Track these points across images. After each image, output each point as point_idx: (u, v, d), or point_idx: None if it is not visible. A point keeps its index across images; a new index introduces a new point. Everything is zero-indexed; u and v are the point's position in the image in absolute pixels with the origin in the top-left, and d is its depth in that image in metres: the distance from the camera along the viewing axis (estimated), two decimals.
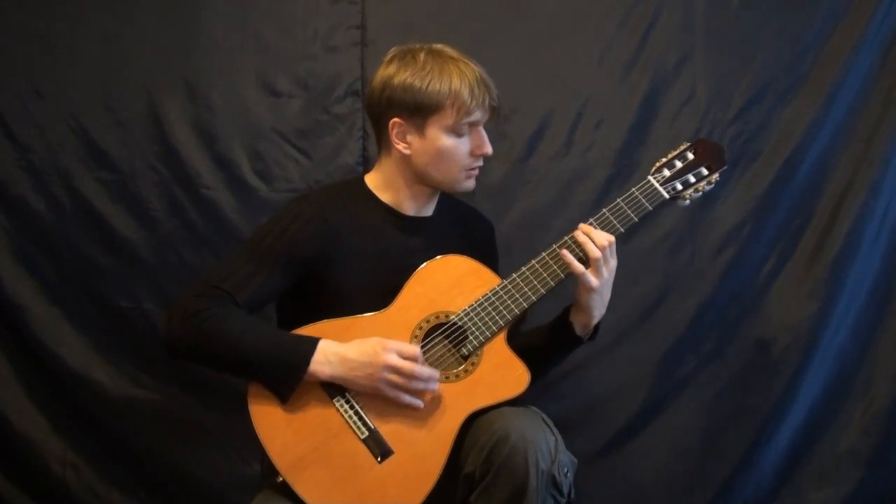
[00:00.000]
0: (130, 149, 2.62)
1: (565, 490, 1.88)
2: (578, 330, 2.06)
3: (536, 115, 2.64)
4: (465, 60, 2.03)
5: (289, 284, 2.00)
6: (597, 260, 1.94)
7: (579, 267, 1.95)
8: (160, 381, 2.65)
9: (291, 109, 2.64)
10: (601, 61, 2.64)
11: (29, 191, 2.61)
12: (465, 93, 1.98)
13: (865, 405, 2.65)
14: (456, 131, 2.01)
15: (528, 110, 2.65)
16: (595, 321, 2.05)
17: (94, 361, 2.64)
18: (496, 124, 2.09)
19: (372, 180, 2.12)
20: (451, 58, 2.02)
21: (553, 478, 1.84)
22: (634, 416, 2.67)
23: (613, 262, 1.99)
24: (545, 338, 2.10)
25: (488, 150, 2.05)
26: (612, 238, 1.97)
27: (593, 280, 1.96)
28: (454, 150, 2.02)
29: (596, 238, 1.95)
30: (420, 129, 2.01)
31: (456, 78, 1.99)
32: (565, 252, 1.96)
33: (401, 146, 2.03)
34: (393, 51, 2.07)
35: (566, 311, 2.08)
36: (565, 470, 1.88)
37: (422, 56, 2.02)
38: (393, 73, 2.01)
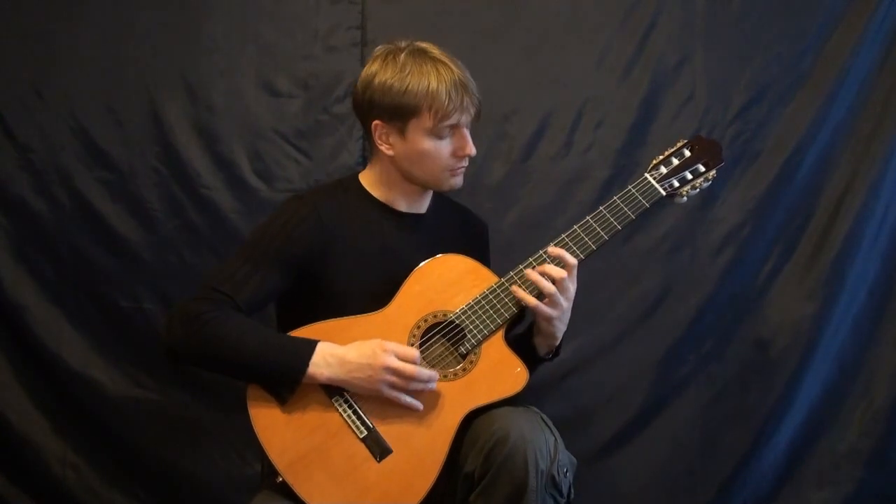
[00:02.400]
0: (130, 149, 2.62)
1: (565, 490, 1.88)
2: (541, 351, 2.06)
3: (536, 115, 2.64)
4: (446, 62, 1.99)
5: (287, 284, 2.00)
6: (553, 294, 1.94)
7: (532, 300, 1.94)
8: (160, 381, 2.65)
9: (291, 109, 2.64)
10: (601, 62, 2.65)
11: (29, 191, 2.61)
12: (443, 96, 1.95)
13: (865, 405, 2.65)
14: (436, 134, 1.99)
15: (528, 110, 2.65)
16: (557, 342, 2.06)
17: (94, 361, 2.64)
18: (478, 122, 2.06)
19: (366, 178, 2.12)
20: (432, 58, 1.99)
21: (552, 478, 1.84)
22: (634, 416, 2.67)
23: (573, 288, 1.97)
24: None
25: (471, 151, 2.03)
26: (564, 273, 1.94)
27: (549, 311, 1.96)
28: (435, 152, 2.01)
29: (551, 272, 1.94)
30: (400, 132, 2.00)
31: (434, 81, 1.95)
32: (515, 288, 1.95)
33: (384, 147, 2.03)
34: (378, 49, 2.04)
35: (528, 332, 2.08)
36: (565, 470, 1.87)
37: (402, 57, 1.98)
38: (374, 73, 2.00)
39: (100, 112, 2.61)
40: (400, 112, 1.97)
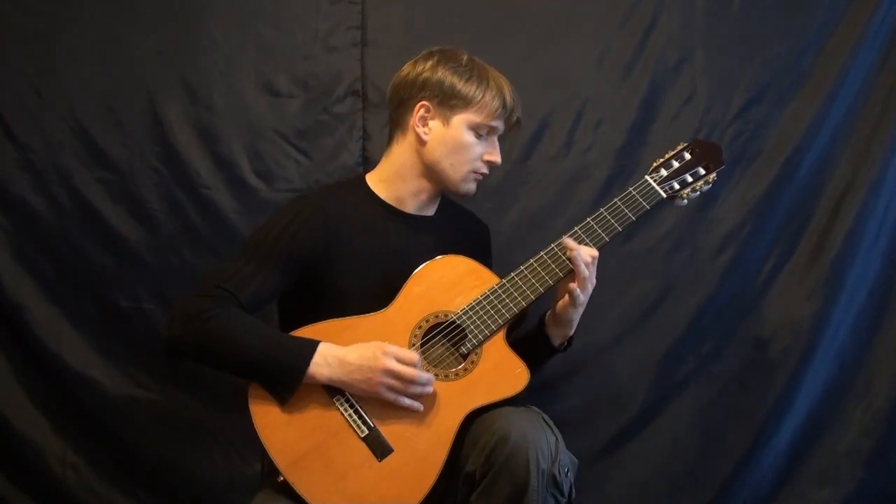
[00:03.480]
0: (130, 149, 2.62)
1: (566, 490, 1.88)
2: (557, 341, 2.08)
3: (536, 115, 2.64)
4: (501, 75, 2.11)
5: (289, 283, 2.00)
6: (585, 279, 1.97)
7: (582, 268, 1.97)
8: (160, 381, 2.65)
9: (291, 109, 2.64)
10: (601, 61, 2.65)
11: (29, 191, 2.61)
12: (499, 99, 2.06)
13: (865, 405, 2.65)
14: (477, 130, 2.06)
15: (528, 110, 2.61)
16: (573, 331, 2.09)
17: (94, 361, 2.63)
18: (512, 133, 2.19)
19: (373, 178, 2.13)
20: (491, 68, 2.11)
21: (554, 477, 1.84)
22: (634, 416, 2.67)
23: (594, 277, 2.02)
24: (523, 349, 2.10)
25: (498, 159, 2.11)
26: (596, 253, 2.00)
27: (581, 296, 1.99)
28: (470, 147, 2.06)
29: (583, 254, 1.97)
30: (446, 118, 2.05)
31: (494, 84, 2.07)
32: (568, 241, 1.99)
33: (420, 130, 2.06)
34: (431, 49, 2.12)
35: (541, 323, 2.09)
36: (566, 470, 1.88)
37: (465, 57, 2.09)
38: (434, 63, 2.08)
39: (100, 112, 2.61)
40: (455, 98, 2.05)
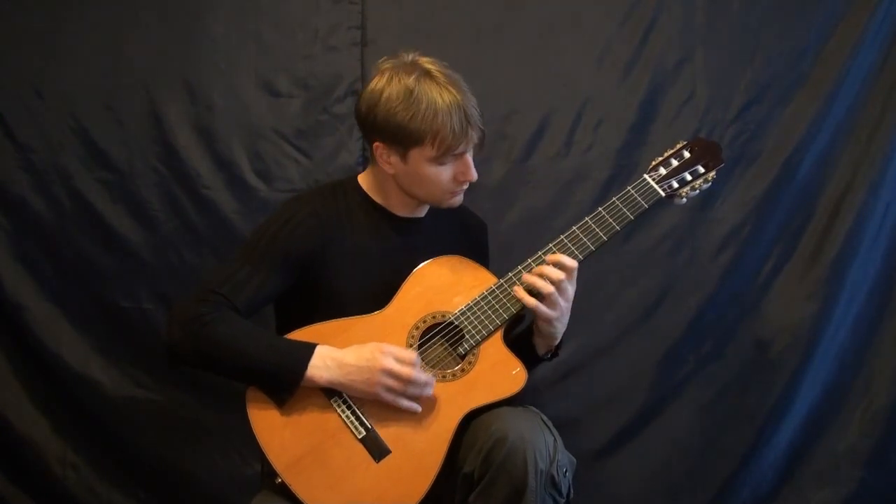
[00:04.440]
0: (130, 149, 2.62)
1: (564, 490, 1.88)
2: (541, 351, 2.07)
3: (536, 115, 2.64)
4: (451, 88, 1.95)
5: (286, 285, 2.00)
6: (551, 294, 1.94)
7: (532, 301, 1.94)
8: (160, 381, 2.66)
9: (291, 109, 2.64)
10: (601, 61, 2.65)
11: (29, 191, 2.61)
12: (447, 129, 1.93)
13: (865, 405, 2.65)
14: (438, 162, 1.98)
15: (528, 110, 2.65)
16: (556, 342, 2.06)
17: (94, 361, 2.64)
18: (481, 152, 2.06)
19: (365, 181, 2.12)
20: (438, 84, 1.95)
21: (552, 478, 1.84)
22: (634, 416, 2.67)
23: (571, 290, 1.98)
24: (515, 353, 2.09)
25: (472, 177, 2.02)
26: (562, 276, 1.94)
27: (548, 312, 1.96)
28: (436, 176, 2.00)
29: (550, 273, 1.94)
30: (402, 157, 1.99)
31: (440, 113, 1.93)
32: (517, 289, 1.95)
33: (385, 166, 2.03)
34: (385, 64, 2.02)
35: (529, 331, 2.08)
36: (564, 470, 1.87)
37: (410, 80, 1.95)
38: (379, 93, 1.96)
39: (100, 112, 2.61)
40: (403, 139, 1.96)
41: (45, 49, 2.60)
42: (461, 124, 1.94)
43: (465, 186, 2.06)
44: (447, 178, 2.01)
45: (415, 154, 1.97)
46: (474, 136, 1.98)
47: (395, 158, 2.00)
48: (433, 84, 1.95)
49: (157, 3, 2.62)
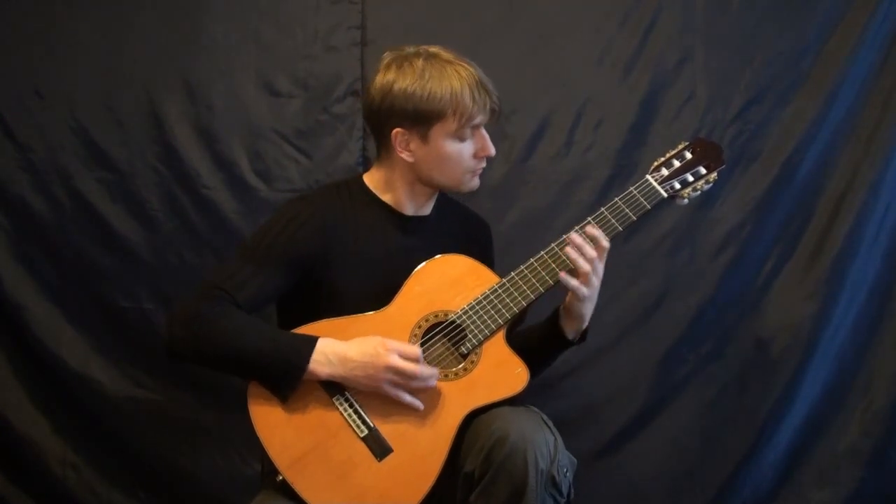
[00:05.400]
0: (130, 149, 2.62)
1: (565, 490, 1.87)
2: (570, 334, 2.07)
3: (536, 115, 2.65)
4: (463, 63, 2.00)
5: (288, 284, 2.00)
6: (587, 274, 1.95)
7: (573, 282, 1.96)
8: (160, 381, 2.66)
9: (291, 109, 2.64)
10: (601, 61, 2.65)
11: (29, 191, 2.61)
12: (467, 98, 1.97)
13: (865, 405, 2.65)
14: (459, 136, 2.00)
15: (528, 110, 2.65)
16: (585, 324, 2.06)
17: (94, 361, 2.64)
18: (496, 123, 2.09)
19: (371, 179, 2.12)
20: (449, 61, 1.99)
21: (552, 477, 1.84)
22: (634, 416, 2.67)
23: (601, 269, 2.00)
24: (536, 341, 2.10)
25: (491, 151, 2.05)
26: (594, 253, 1.97)
27: (584, 290, 1.97)
28: (458, 154, 2.02)
29: (586, 252, 1.96)
30: (423, 137, 2.00)
31: (456, 83, 1.97)
32: (568, 250, 1.96)
33: (404, 154, 2.03)
34: (388, 56, 2.04)
35: (555, 315, 2.08)
36: (565, 470, 1.87)
37: (419, 62, 1.99)
38: (392, 80, 1.99)
39: (100, 112, 2.61)
40: (424, 117, 1.97)
41: (45, 49, 2.60)
42: (480, 91, 1.98)
43: (484, 164, 2.07)
44: (468, 154, 2.03)
45: (437, 131, 1.99)
46: (491, 104, 2.01)
47: (415, 143, 2.01)
48: (443, 62, 2.00)
49: (157, 3, 2.62)
